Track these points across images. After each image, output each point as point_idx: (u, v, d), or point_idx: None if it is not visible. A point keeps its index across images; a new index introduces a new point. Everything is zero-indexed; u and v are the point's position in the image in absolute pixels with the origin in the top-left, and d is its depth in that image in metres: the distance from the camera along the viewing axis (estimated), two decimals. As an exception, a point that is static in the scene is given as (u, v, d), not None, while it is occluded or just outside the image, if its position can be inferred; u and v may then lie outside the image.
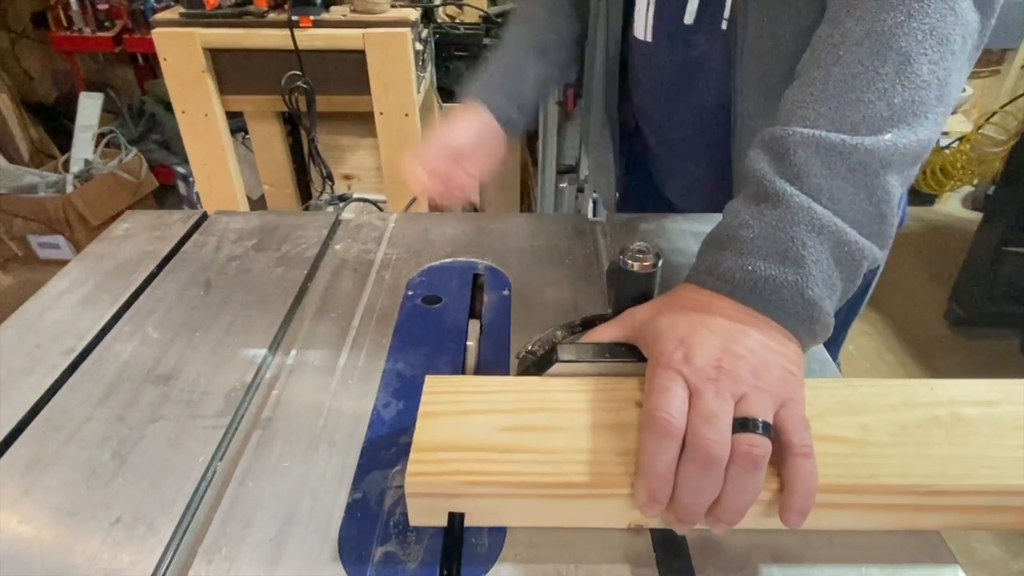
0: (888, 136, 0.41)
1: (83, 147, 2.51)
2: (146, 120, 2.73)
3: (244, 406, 0.50)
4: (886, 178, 0.41)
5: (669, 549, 0.40)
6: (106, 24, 2.41)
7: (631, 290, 0.48)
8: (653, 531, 0.41)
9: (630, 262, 0.48)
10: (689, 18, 0.66)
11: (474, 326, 0.58)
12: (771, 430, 0.36)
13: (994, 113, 2.46)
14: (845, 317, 0.85)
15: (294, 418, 0.49)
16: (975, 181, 2.62)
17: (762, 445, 0.35)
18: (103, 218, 2.42)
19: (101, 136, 2.60)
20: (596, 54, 0.77)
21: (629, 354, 0.44)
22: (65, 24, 2.41)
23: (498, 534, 0.40)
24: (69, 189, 2.38)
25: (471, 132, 0.72)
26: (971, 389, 0.44)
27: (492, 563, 0.39)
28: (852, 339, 2.13)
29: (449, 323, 0.59)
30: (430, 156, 0.69)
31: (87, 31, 2.41)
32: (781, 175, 0.42)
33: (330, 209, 1.66)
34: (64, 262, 0.60)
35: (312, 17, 1.40)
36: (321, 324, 0.59)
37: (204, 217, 0.76)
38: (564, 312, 0.60)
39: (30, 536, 0.40)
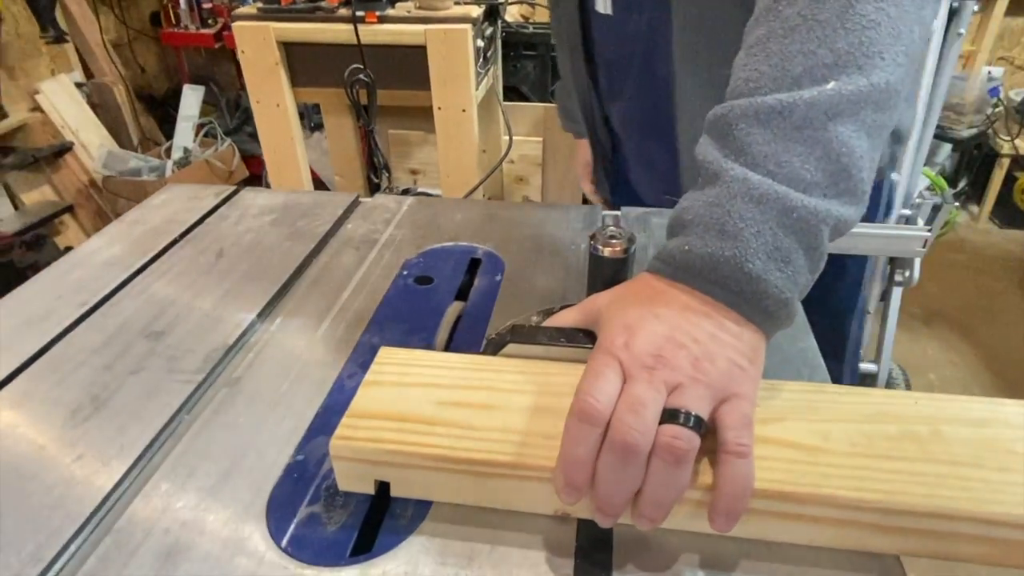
0: (831, 84, 0.38)
1: (184, 136, 2.72)
2: (241, 113, 2.92)
3: (221, 366, 0.52)
4: (838, 129, 0.38)
5: (594, 541, 0.38)
6: (209, 22, 2.60)
7: (602, 275, 0.48)
8: (581, 522, 0.39)
9: (601, 247, 0.47)
10: None
11: (454, 307, 0.58)
12: (703, 425, 0.34)
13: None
14: (845, 305, 0.82)
15: (261, 379, 0.50)
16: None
17: (686, 438, 0.33)
18: (195, 202, 2.60)
19: (200, 127, 2.80)
20: (563, 32, 0.80)
21: (586, 340, 0.42)
22: (174, 22, 2.61)
23: (423, 507, 0.40)
24: (168, 174, 2.57)
25: (584, 156, 1.01)
26: (962, 406, 0.40)
27: (409, 534, 0.38)
28: (936, 368, 1.97)
29: (434, 303, 0.59)
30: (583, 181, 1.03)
31: (192, 28, 2.60)
32: (725, 154, 0.40)
33: (342, 194, 1.71)
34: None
35: (378, 13, 1.45)
36: (312, 296, 0.61)
37: (235, 192, 0.80)
38: (550, 300, 0.58)
39: (1, 463, 0.43)
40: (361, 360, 0.52)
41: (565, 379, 0.41)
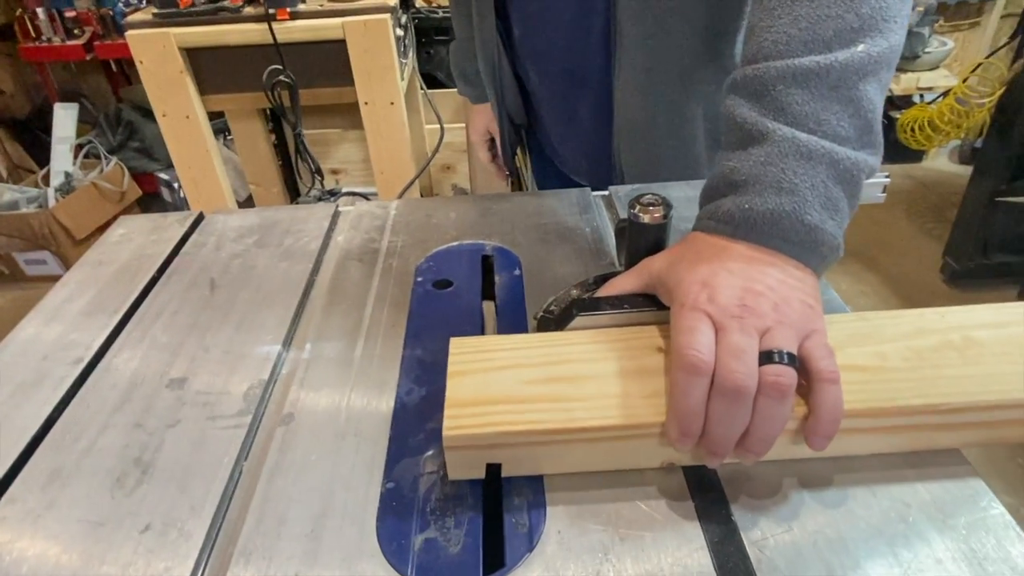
0: (861, 47, 0.41)
1: (62, 159, 2.47)
2: (124, 128, 2.68)
3: (264, 404, 0.49)
4: (866, 88, 0.41)
5: (703, 483, 0.41)
6: (75, 32, 2.36)
7: (644, 242, 0.49)
8: (685, 469, 0.41)
9: (641, 215, 0.48)
10: None
11: (488, 307, 0.57)
12: (796, 361, 0.37)
13: (978, 65, 2.45)
14: None
15: (316, 412, 0.48)
16: (963, 135, 2.62)
17: (788, 375, 0.36)
18: (88, 230, 2.39)
19: (79, 147, 2.55)
20: None
21: (647, 303, 0.45)
22: (33, 35, 2.35)
23: (538, 512, 0.40)
24: (51, 203, 2.34)
25: (482, 124, 1.02)
26: (980, 313, 0.45)
27: (535, 542, 0.38)
28: (849, 300, 2.14)
29: (463, 306, 0.58)
30: (480, 150, 1.04)
31: (56, 40, 2.35)
32: (763, 114, 0.42)
33: (320, 204, 1.64)
34: (52, 277, 0.58)
35: (289, 9, 1.38)
36: (332, 316, 0.58)
37: (200, 218, 0.75)
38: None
39: (58, 551, 0.39)
40: (413, 375, 0.51)
41: (640, 341, 0.43)
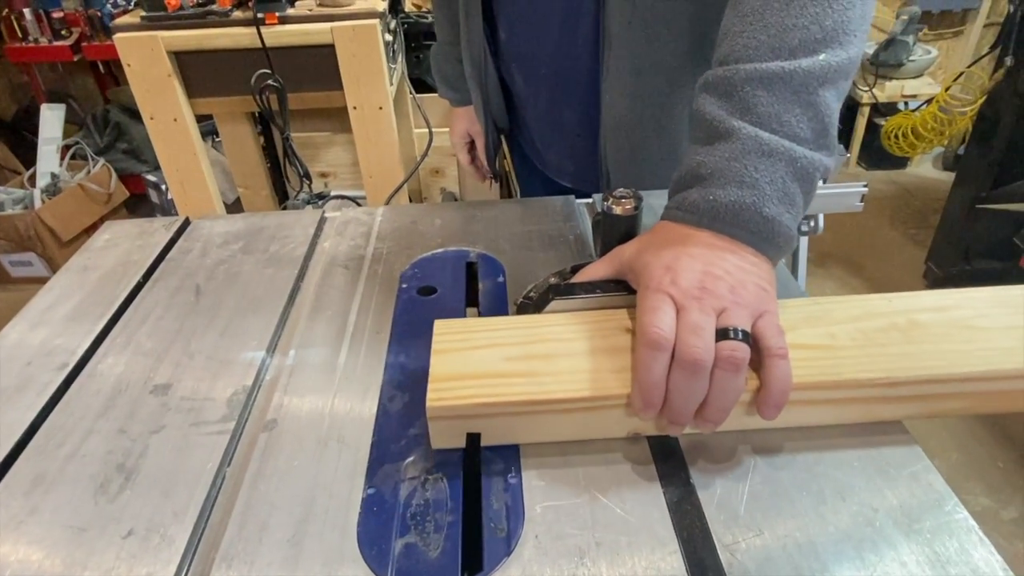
0: (822, 56, 0.45)
1: (48, 161, 2.46)
2: (111, 129, 2.67)
3: (248, 410, 0.50)
4: (825, 94, 0.45)
5: (665, 451, 0.44)
6: (63, 33, 2.35)
7: (616, 232, 0.53)
8: (650, 439, 0.45)
9: (614, 207, 0.53)
10: None
11: (472, 314, 0.58)
12: (749, 338, 0.40)
13: (960, 74, 2.49)
14: None
15: (300, 418, 0.48)
16: (945, 142, 2.66)
17: (741, 350, 0.39)
18: (74, 232, 2.37)
19: (66, 148, 2.54)
20: None
21: (618, 288, 0.48)
22: (20, 35, 2.34)
23: (516, 517, 0.40)
24: (37, 204, 2.32)
25: (462, 127, 1.02)
26: (924, 299, 0.48)
27: (512, 546, 0.39)
28: (835, 305, 2.17)
29: (447, 312, 0.59)
30: (460, 153, 1.04)
31: (43, 41, 2.34)
32: (731, 113, 0.46)
33: (308, 208, 1.64)
34: (38, 279, 0.58)
35: (278, 14, 1.38)
36: (317, 322, 0.58)
37: (186, 223, 0.75)
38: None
39: (40, 556, 0.39)
40: (395, 382, 0.51)
41: (610, 323, 0.47)
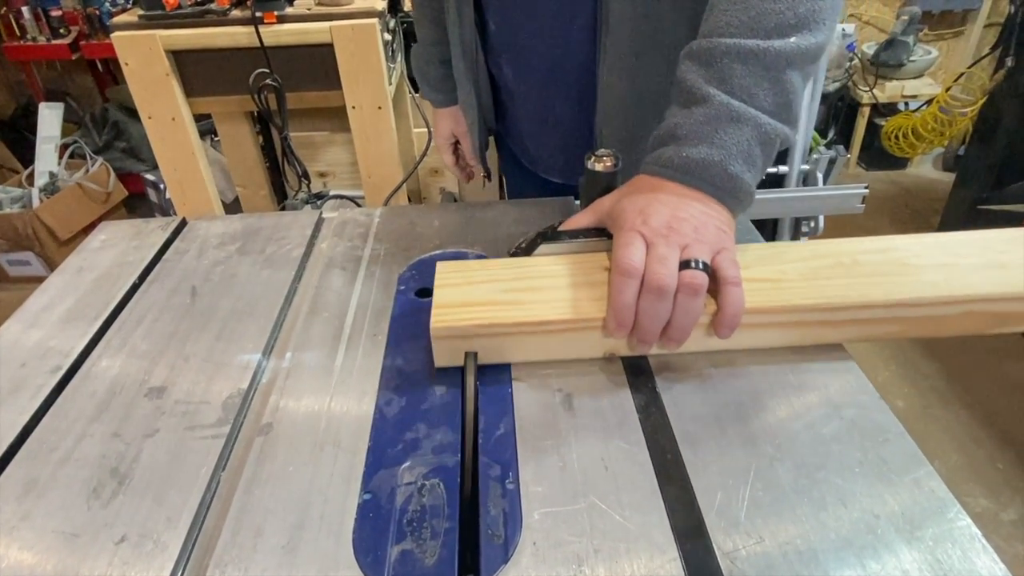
0: (793, 39, 0.51)
1: (46, 159, 2.45)
2: (110, 128, 2.66)
3: (243, 413, 0.49)
4: (791, 74, 0.51)
5: (635, 367, 0.52)
6: (61, 31, 2.34)
7: (598, 187, 0.59)
8: (623, 359, 0.52)
9: (595, 165, 0.59)
10: None
11: (470, 316, 0.57)
12: (708, 268, 0.47)
13: (961, 74, 2.49)
14: None
15: (295, 422, 0.48)
16: (946, 142, 2.65)
17: (701, 277, 0.46)
18: (73, 231, 2.37)
19: (64, 147, 2.53)
20: None
21: (598, 234, 0.54)
22: (18, 33, 2.33)
23: (514, 523, 0.40)
24: (35, 203, 2.31)
25: (447, 127, 1.00)
26: (868, 243, 0.55)
27: (510, 553, 0.38)
28: (834, 305, 2.17)
29: (444, 315, 0.58)
30: (445, 154, 1.02)
31: (41, 39, 2.33)
32: (708, 81, 0.52)
33: (307, 208, 1.64)
34: (36, 278, 0.58)
35: (276, 13, 1.37)
36: (314, 325, 0.58)
37: (183, 224, 0.74)
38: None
39: (32, 562, 0.39)
40: (392, 385, 0.51)
41: (591, 264, 0.53)
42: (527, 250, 0.56)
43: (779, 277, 0.51)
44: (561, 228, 0.56)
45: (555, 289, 0.51)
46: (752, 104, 0.51)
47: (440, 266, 0.54)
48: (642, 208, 0.50)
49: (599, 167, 0.59)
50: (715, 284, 0.47)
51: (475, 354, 0.49)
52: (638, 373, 0.51)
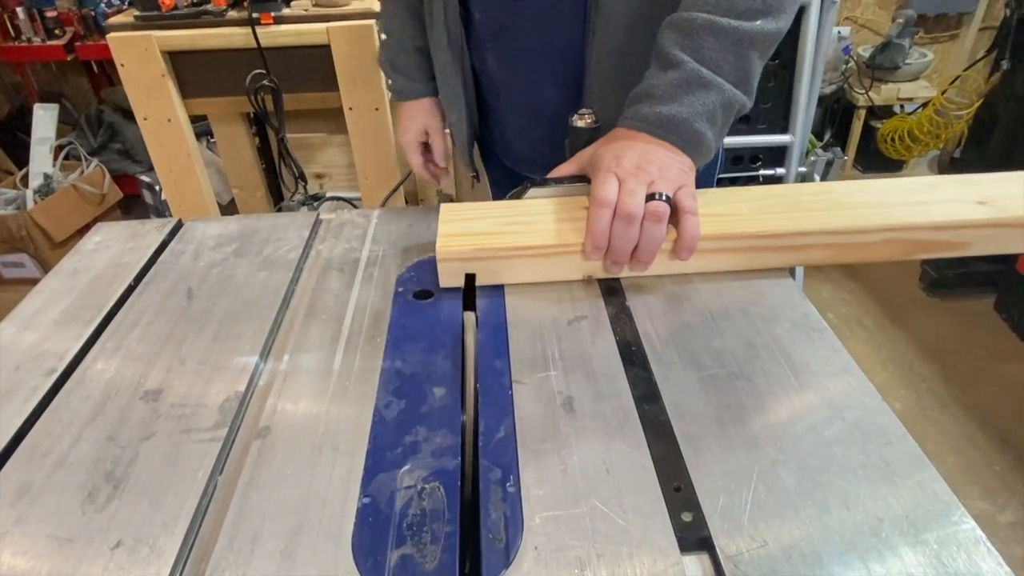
0: (759, 23, 0.60)
1: (41, 161, 2.43)
2: (105, 129, 2.65)
3: (240, 416, 0.49)
4: (752, 52, 0.61)
5: (609, 288, 0.61)
6: (56, 32, 2.33)
7: (580, 141, 0.67)
8: (600, 281, 0.61)
9: (578, 121, 0.68)
10: None
11: (469, 317, 0.57)
12: (671, 201, 0.55)
13: (956, 77, 2.50)
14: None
15: (293, 425, 0.47)
16: (941, 145, 2.66)
17: (663, 207, 0.55)
18: (67, 233, 2.35)
19: (59, 148, 2.52)
20: None
21: (580, 180, 0.63)
22: (13, 34, 2.32)
23: (515, 527, 0.39)
24: (30, 205, 2.30)
25: (418, 123, 0.95)
26: (809, 186, 0.65)
27: (511, 558, 0.38)
28: (831, 307, 2.17)
29: (444, 316, 0.58)
30: (413, 154, 0.97)
31: (36, 40, 2.32)
32: (684, 50, 0.60)
33: (304, 210, 1.63)
34: (30, 280, 0.57)
35: (273, 14, 1.37)
36: (312, 327, 0.57)
37: (179, 225, 0.74)
38: (559, 298, 0.59)
39: (26, 568, 0.38)
40: (391, 388, 0.50)
41: (571, 203, 0.63)
42: (517, 195, 0.65)
43: (731, 212, 0.60)
44: (548, 176, 0.65)
45: (542, 223, 0.60)
46: (718, 73, 0.60)
47: (444, 207, 0.63)
48: (617, 153, 0.59)
49: (581, 123, 0.68)
50: (676, 215, 0.56)
51: (474, 275, 0.59)
52: (613, 294, 0.60)
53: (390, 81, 0.96)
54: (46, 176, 2.41)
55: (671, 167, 0.58)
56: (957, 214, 0.59)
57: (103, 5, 2.31)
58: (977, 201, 0.61)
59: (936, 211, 0.59)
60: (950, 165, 2.76)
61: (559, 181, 0.64)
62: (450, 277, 0.59)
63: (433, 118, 0.94)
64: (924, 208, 0.60)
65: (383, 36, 0.94)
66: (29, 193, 2.33)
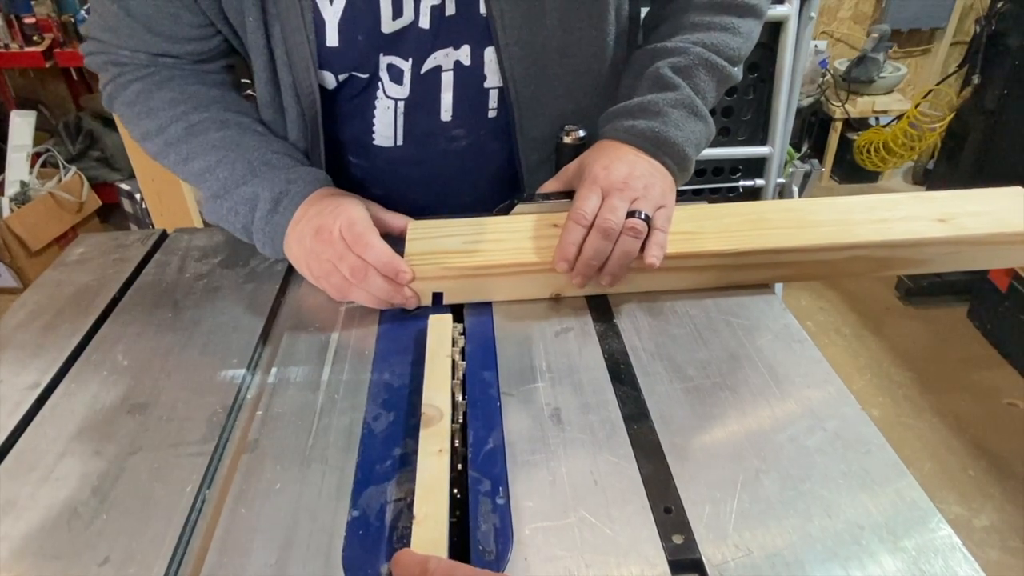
0: (736, 69, 0.68)
1: (17, 168, 2.39)
2: (84, 137, 2.61)
3: (228, 430, 0.49)
4: (721, 91, 0.68)
5: (596, 302, 0.61)
6: (34, 38, 2.30)
7: (566, 157, 0.67)
8: (589, 301, 0.61)
9: (565, 138, 0.68)
10: (447, 114, 0.68)
11: (456, 329, 0.57)
12: (650, 220, 0.57)
13: (929, 91, 2.56)
14: None
15: (282, 438, 0.47)
16: (915, 157, 2.72)
17: (641, 225, 0.56)
18: (44, 242, 2.32)
19: (36, 156, 2.48)
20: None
21: (564, 197, 0.63)
22: (-11, 41, 2.28)
23: (505, 539, 0.40)
24: (6, 213, 2.26)
25: (358, 211, 0.60)
26: (777, 204, 0.71)
27: (502, 568, 0.38)
28: (811, 315, 2.20)
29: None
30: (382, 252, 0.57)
31: (14, 47, 2.29)
32: (677, 72, 0.64)
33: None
34: (6, 290, 0.56)
35: (258, 23, 1.36)
36: (299, 339, 0.57)
37: (164, 236, 0.73)
38: (545, 312, 0.60)
39: (11, 585, 0.38)
40: (380, 400, 0.51)
41: (547, 221, 0.62)
42: (504, 211, 0.65)
43: (698, 230, 0.61)
44: (537, 192, 0.65)
45: (508, 241, 0.60)
46: (705, 103, 0.65)
47: (411, 223, 0.63)
48: (606, 164, 0.59)
49: (568, 140, 0.68)
50: (647, 233, 0.57)
51: (441, 294, 0.59)
52: (600, 309, 0.61)
53: (263, 214, 0.62)
54: (23, 184, 2.37)
55: (656, 186, 0.59)
56: (917, 232, 0.60)
57: (83, 12, 2.29)
58: (937, 219, 0.62)
59: (898, 229, 0.60)
60: (924, 176, 2.82)
61: (545, 197, 0.64)
62: (419, 296, 0.59)
63: (358, 199, 0.65)
64: (887, 226, 0.61)
65: (205, 191, 0.65)
66: (5, 201, 2.29)
